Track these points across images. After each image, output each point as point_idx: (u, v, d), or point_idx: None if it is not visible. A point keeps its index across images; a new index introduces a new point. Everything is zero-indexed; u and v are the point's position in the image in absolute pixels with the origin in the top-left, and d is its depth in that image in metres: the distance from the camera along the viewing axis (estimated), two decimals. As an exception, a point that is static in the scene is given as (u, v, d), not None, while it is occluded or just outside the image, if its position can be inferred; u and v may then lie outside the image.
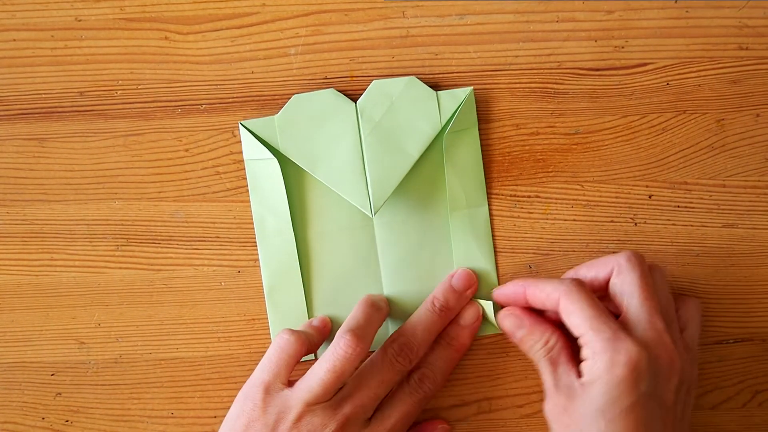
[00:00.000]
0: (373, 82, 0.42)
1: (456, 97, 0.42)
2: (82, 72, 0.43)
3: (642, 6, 0.43)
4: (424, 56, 0.43)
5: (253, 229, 0.43)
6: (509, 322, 0.40)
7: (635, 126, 0.44)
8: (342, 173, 0.41)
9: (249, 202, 0.43)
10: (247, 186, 0.43)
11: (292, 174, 0.42)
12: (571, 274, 0.40)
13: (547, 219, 0.44)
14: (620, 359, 0.35)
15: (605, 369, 0.35)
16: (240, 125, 0.42)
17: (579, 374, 0.37)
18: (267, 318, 0.43)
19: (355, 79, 0.43)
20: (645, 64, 0.43)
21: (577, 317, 0.36)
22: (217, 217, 0.43)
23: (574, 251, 0.44)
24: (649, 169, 0.44)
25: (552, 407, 0.37)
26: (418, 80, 0.42)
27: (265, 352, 0.41)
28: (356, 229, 0.43)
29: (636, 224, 0.44)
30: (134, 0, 0.42)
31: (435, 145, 0.42)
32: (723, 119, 0.44)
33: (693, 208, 0.44)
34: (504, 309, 0.41)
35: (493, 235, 0.43)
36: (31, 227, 0.43)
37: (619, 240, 0.44)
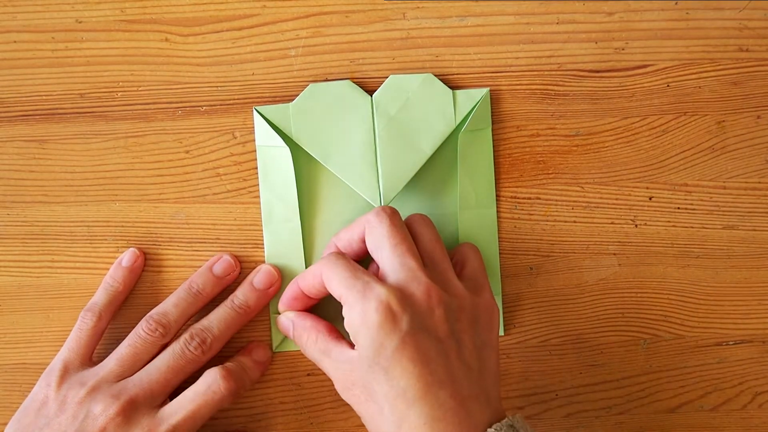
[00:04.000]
0: (390, 76, 0.42)
1: (472, 97, 0.42)
2: (82, 74, 0.43)
3: (642, 7, 0.43)
4: (425, 58, 0.43)
5: (254, 230, 0.43)
6: (281, 325, 0.41)
7: (636, 128, 0.44)
8: (354, 165, 0.41)
9: (250, 204, 0.43)
10: (247, 188, 0.43)
11: (303, 162, 0.42)
12: (332, 239, 0.41)
13: (548, 221, 0.44)
14: (371, 305, 0.35)
15: (360, 319, 0.35)
16: (254, 110, 0.42)
17: (352, 347, 0.37)
18: (268, 318, 0.43)
19: (355, 80, 0.43)
20: (645, 66, 0.43)
21: (334, 281, 0.37)
22: (217, 218, 0.43)
23: (574, 253, 0.44)
24: (650, 170, 0.44)
25: (342, 389, 0.37)
26: (434, 77, 0.42)
27: (265, 352, 0.41)
28: None
29: (636, 226, 0.44)
30: (135, 2, 0.42)
31: (447, 143, 0.42)
32: (723, 121, 0.44)
33: (693, 209, 0.44)
34: (280, 315, 0.42)
35: (493, 237, 0.43)
36: (31, 229, 0.43)
37: (619, 242, 0.44)
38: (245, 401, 0.43)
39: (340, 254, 0.38)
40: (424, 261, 0.38)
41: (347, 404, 0.42)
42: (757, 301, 0.44)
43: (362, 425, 0.43)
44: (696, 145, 0.44)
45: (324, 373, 0.43)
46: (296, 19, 0.43)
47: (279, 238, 0.43)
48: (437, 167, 0.43)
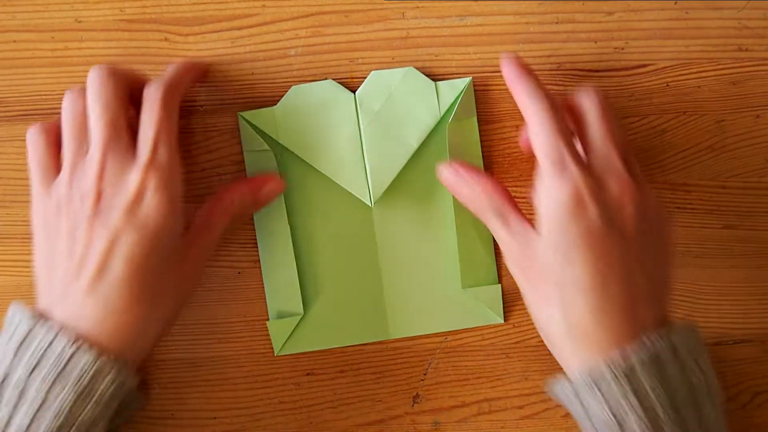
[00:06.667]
0: (372, 72, 0.42)
1: (455, 87, 0.42)
2: (82, 73, 0.43)
3: (642, 7, 0.43)
4: (424, 57, 0.43)
5: (253, 230, 0.43)
6: (447, 173, 0.40)
7: (635, 127, 0.44)
8: (341, 163, 0.41)
9: (249, 203, 0.43)
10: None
11: (292, 164, 0.42)
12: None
13: (547, 220, 0.44)
14: (565, 187, 0.34)
15: (551, 197, 0.35)
16: (239, 116, 0.42)
17: (531, 224, 0.37)
18: (267, 319, 0.43)
19: (355, 80, 0.43)
20: (645, 66, 0.43)
21: (541, 136, 0.36)
22: (217, 218, 0.43)
23: (573, 252, 0.44)
24: (649, 170, 0.44)
25: (511, 256, 0.37)
26: (416, 71, 0.42)
27: (265, 353, 0.41)
28: (355, 220, 0.43)
29: (636, 225, 0.44)
30: (134, 1, 0.42)
31: (434, 135, 0.42)
32: (723, 120, 0.44)
33: (693, 209, 0.44)
34: (447, 166, 0.40)
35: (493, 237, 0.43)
36: (30, 229, 0.43)
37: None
38: (245, 401, 0.43)
39: (552, 98, 0.36)
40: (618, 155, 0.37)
41: (347, 404, 0.42)
42: (756, 301, 0.44)
43: (362, 425, 0.43)
44: (695, 145, 0.44)
45: (324, 373, 0.43)
46: (296, 18, 0.43)
47: (271, 240, 0.42)
48: (425, 161, 0.43)
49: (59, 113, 0.38)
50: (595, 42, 0.43)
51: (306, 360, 0.43)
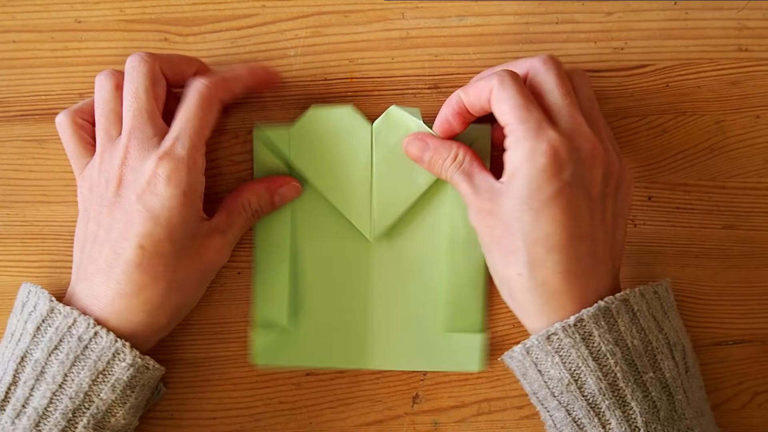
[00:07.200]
0: (392, 107, 0.41)
1: (472, 135, 0.41)
2: (82, 73, 0.43)
3: (641, 7, 0.43)
4: (424, 57, 0.43)
5: (253, 231, 0.43)
6: (415, 146, 0.40)
7: (635, 127, 0.44)
8: (348, 194, 0.41)
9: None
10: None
11: (299, 179, 0.42)
12: (459, 91, 0.38)
13: (547, 220, 0.44)
14: (541, 147, 0.35)
15: (527, 157, 0.35)
16: (255, 132, 0.42)
17: (496, 178, 0.37)
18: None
19: (354, 80, 0.43)
20: (644, 66, 0.43)
21: (506, 105, 0.36)
22: (216, 218, 0.43)
23: (573, 252, 0.44)
24: (649, 170, 0.44)
25: (476, 214, 0.37)
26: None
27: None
28: (353, 249, 0.42)
29: (635, 225, 0.44)
30: (134, 1, 0.42)
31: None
32: (722, 121, 0.44)
33: (693, 209, 0.44)
34: (409, 135, 0.40)
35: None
36: (30, 228, 0.43)
37: (618, 241, 0.44)
38: (245, 401, 0.44)
39: (515, 75, 0.36)
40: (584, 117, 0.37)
41: (346, 404, 0.42)
42: (756, 301, 0.44)
43: (361, 426, 0.43)
44: (695, 145, 0.44)
45: (324, 373, 0.43)
46: (295, 18, 0.43)
47: (268, 249, 0.42)
48: (430, 200, 0.42)
49: (59, 113, 0.39)
50: (595, 42, 0.43)
51: (306, 360, 0.43)
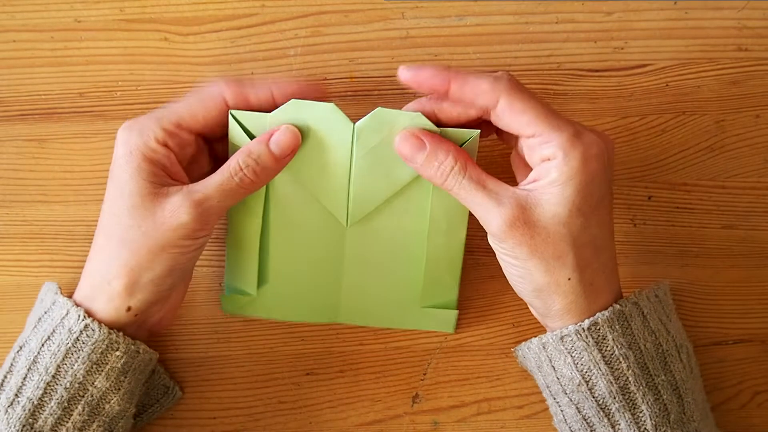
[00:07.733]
0: (378, 108, 0.38)
1: (459, 138, 0.38)
2: (81, 73, 0.43)
3: (641, 7, 0.43)
4: (424, 57, 0.43)
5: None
6: (408, 144, 0.37)
7: (634, 127, 0.44)
8: (325, 183, 0.39)
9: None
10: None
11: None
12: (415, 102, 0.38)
13: (547, 220, 0.44)
14: (593, 153, 0.34)
15: (581, 165, 0.34)
16: (230, 114, 0.39)
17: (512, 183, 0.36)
18: (265, 319, 0.43)
19: (354, 80, 0.43)
20: (644, 65, 0.43)
21: (528, 115, 0.34)
22: (216, 218, 0.43)
23: (573, 252, 0.44)
24: (649, 170, 0.44)
25: (505, 226, 0.35)
26: (424, 117, 0.38)
27: (265, 353, 0.40)
28: (327, 230, 0.41)
29: (635, 225, 0.44)
30: (134, 1, 0.42)
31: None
32: (722, 120, 0.44)
33: (692, 209, 0.44)
34: (402, 132, 0.37)
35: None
36: (30, 228, 0.43)
37: (617, 241, 0.43)
38: (245, 401, 0.43)
39: (519, 83, 0.35)
40: None
41: (346, 404, 0.42)
42: (756, 301, 0.44)
43: (361, 425, 0.43)
44: (695, 145, 0.44)
45: (324, 372, 0.43)
46: (295, 18, 0.43)
47: (241, 222, 0.41)
48: (410, 188, 0.40)
49: (59, 114, 0.38)
50: (595, 42, 0.43)
51: (306, 360, 0.43)
